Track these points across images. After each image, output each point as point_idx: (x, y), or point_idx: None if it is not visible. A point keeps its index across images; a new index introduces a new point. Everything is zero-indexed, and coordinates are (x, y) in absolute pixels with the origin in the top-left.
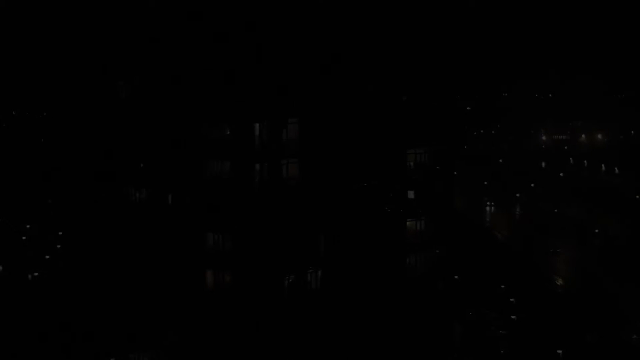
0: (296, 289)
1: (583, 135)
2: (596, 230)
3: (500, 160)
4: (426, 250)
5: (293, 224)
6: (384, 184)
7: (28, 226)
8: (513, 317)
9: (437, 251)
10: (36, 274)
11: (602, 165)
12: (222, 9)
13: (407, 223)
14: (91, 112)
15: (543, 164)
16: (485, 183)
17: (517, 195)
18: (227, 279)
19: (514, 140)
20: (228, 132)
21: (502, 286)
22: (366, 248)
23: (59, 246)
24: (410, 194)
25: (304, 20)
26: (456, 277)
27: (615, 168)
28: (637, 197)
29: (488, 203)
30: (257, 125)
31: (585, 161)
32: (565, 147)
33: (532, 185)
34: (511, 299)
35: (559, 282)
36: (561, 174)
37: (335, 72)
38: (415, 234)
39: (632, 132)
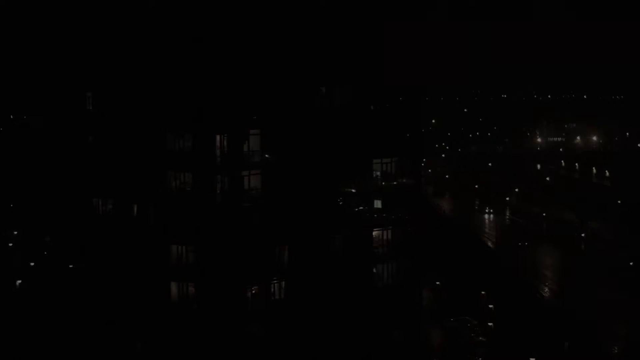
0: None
1: (578, 138)
2: (582, 235)
3: (490, 164)
4: (394, 260)
5: (256, 235)
6: (350, 194)
7: (15, 232)
8: (490, 324)
9: (406, 260)
10: (19, 281)
11: (593, 168)
12: (185, 23)
13: (374, 233)
14: (60, 122)
15: (538, 166)
16: (476, 186)
17: (507, 198)
18: (190, 291)
19: (509, 142)
20: (190, 144)
21: (483, 292)
22: (331, 258)
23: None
24: (378, 204)
25: (265, 31)
26: (438, 283)
27: (606, 171)
28: (620, 202)
29: (477, 207)
30: (218, 137)
31: (576, 164)
32: (560, 149)
33: (523, 188)
34: (490, 306)
35: (545, 292)
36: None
37: (297, 81)
38: (383, 243)
39: (627, 134)
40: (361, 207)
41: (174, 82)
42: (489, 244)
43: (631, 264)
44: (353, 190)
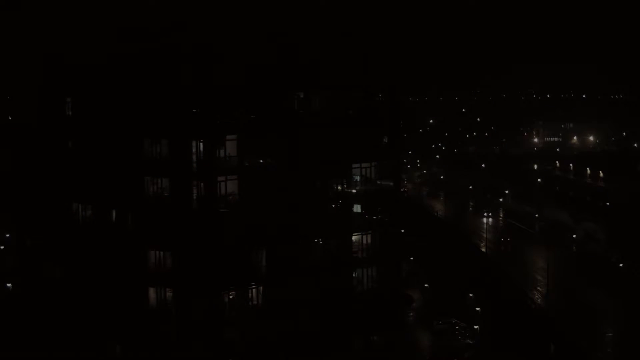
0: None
1: (574, 138)
2: (574, 236)
3: (483, 165)
4: (374, 264)
5: (233, 240)
6: (329, 198)
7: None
8: (476, 327)
9: (386, 264)
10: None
11: (588, 169)
12: (162, 31)
13: (354, 237)
14: (40, 127)
15: (536, 166)
16: (471, 187)
17: (501, 200)
18: (168, 296)
19: (506, 142)
20: (166, 150)
21: (471, 295)
22: (309, 263)
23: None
24: (357, 208)
25: (241, 36)
26: (426, 285)
27: (600, 172)
28: (608, 204)
29: (471, 208)
30: (194, 143)
31: (571, 165)
32: (557, 149)
33: (518, 189)
34: (477, 308)
35: (533, 294)
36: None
37: (273, 87)
38: (362, 247)
39: (624, 133)
40: (340, 212)
41: (150, 88)
42: (481, 245)
43: (620, 265)
44: (332, 195)
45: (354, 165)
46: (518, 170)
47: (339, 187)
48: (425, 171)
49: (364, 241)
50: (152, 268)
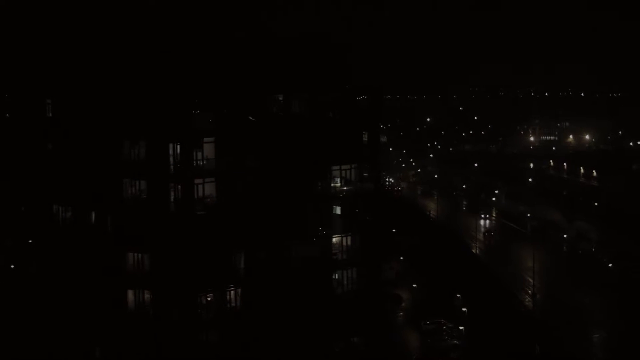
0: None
1: (571, 136)
2: (565, 236)
3: (476, 165)
4: (354, 266)
5: (210, 242)
6: (309, 200)
7: None
8: (461, 327)
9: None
10: None
11: (581, 168)
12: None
13: (334, 239)
14: (20, 128)
15: (532, 165)
16: (464, 186)
17: (493, 199)
18: (146, 298)
19: (503, 141)
20: (144, 152)
21: (458, 295)
22: (289, 265)
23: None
24: (337, 210)
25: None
26: (415, 285)
27: (594, 171)
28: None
29: (464, 207)
30: (171, 145)
31: (564, 164)
32: (554, 148)
33: (511, 188)
34: (464, 309)
35: (521, 295)
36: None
37: (252, 90)
38: (342, 249)
39: (620, 132)
40: (320, 214)
41: (128, 89)
42: (472, 245)
43: (610, 265)
44: (312, 197)
45: (334, 167)
46: (513, 169)
47: (319, 189)
48: (419, 170)
49: (345, 243)
50: (130, 270)
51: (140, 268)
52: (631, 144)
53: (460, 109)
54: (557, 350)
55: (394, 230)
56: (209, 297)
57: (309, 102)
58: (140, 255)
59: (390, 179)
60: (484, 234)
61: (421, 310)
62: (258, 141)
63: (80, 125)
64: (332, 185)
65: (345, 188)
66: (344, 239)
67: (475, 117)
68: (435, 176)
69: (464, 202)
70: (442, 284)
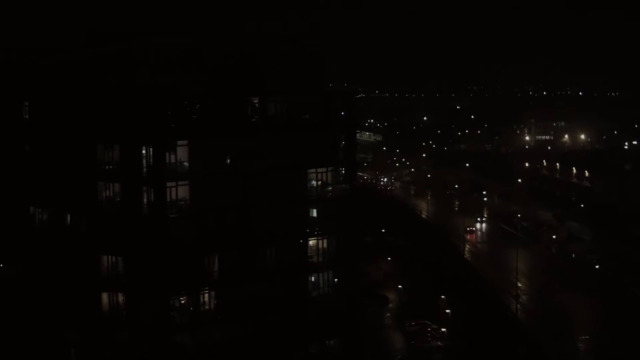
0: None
1: (566, 136)
2: (554, 237)
3: (467, 164)
4: (330, 269)
5: (183, 245)
6: (285, 203)
7: None
8: (443, 329)
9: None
10: None
11: (573, 168)
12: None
13: (310, 242)
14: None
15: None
16: (457, 186)
17: (485, 199)
18: (120, 301)
19: (498, 140)
20: (118, 155)
21: (443, 297)
22: (263, 268)
23: None
24: (314, 213)
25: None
26: (400, 286)
27: (586, 171)
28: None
29: (456, 207)
30: (144, 148)
31: (557, 164)
32: (549, 148)
33: (504, 188)
34: (447, 311)
35: (509, 300)
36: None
37: (226, 93)
38: (318, 252)
39: (615, 132)
40: (296, 217)
41: (103, 92)
42: (460, 245)
43: (597, 267)
44: (287, 200)
45: (310, 171)
46: (506, 169)
47: (295, 192)
48: (413, 169)
49: (321, 245)
50: (104, 272)
51: (115, 271)
52: (627, 144)
53: (458, 107)
54: (537, 355)
55: (383, 231)
56: (182, 300)
57: (285, 105)
58: (114, 258)
59: (384, 179)
60: (474, 234)
61: (407, 311)
62: (233, 144)
63: (56, 128)
64: (308, 188)
65: (321, 191)
66: (320, 241)
67: (472, 116)
68: (429, 176)
69: (456, 202)
70: (429, 284)
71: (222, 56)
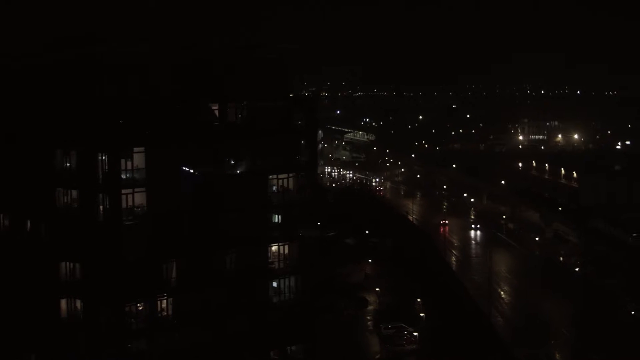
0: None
1: (559, 136)
2: (537, 239)
3: (454, 165)
4: (291, 275)
5: (140, 252)
6: (245, 209)
7: None
8: (415, 333)
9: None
10: None
11: (562, 168)
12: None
13: (272, 248)
14: None
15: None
16: (445, 187)
17: (472, 200)
18: (79, 307)
19: (493, 140)
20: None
21: (419, 300)
22: (223, 274)
23: None
24: (275, 219)
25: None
26: (378, 289)
27: (574, 172)
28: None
29: (444, 209)
30: (100, 155)
31: (546, 165)
32: (542, 147)
33: (493, 189)
34: (421, 314)
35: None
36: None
37: (184, 99)
38: (280, 258)
39: (609, 132)
40: (257, 222)
41: (61, 98)
42: (446, 248)
43: (577, 270)
44: (248, 206)
45: (271, 176)
46: (496, 169)
47: (255, 198)
48: (402, 170)
49: (282, 251)
50: (63, 279)
51: (73, 277)
52: (619, 144)
53: (454, 106)
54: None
55: (367, 232)
56: (140, 306)
57: (246, 111)
58: (72, 264)
59: (376, 179)
60: (457, 235)
61: (385, 313)
62: (191, 150)
63: (17, 133)
64: (268, 194)
65: (282, 196)
66: (282, 247)
67: (468, 115)
68: (418, 176)
69: (445, 203)
70: (409, 288)
71: (179, 63)
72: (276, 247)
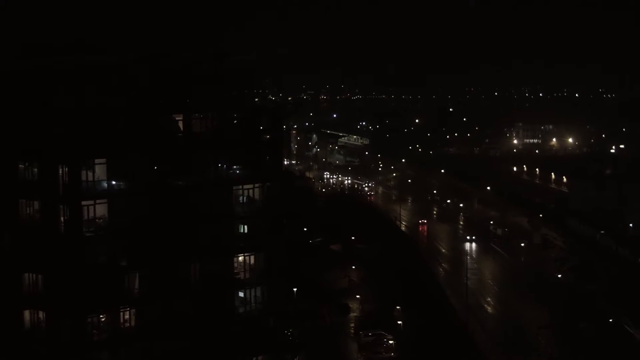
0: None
1: (554, 139)
2: (522, 244)
3: (443, 171)
4: (258, 285)
5: (101, 263)
6: (209, 220)
7: None
8: (391, 342)
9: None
10: None
11: (552, 173)
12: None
13: (239, 258)
14: None
15: (514, 168)
16: (435, 191)
17: (461, 205)
18: (41, 318)
19: (488, 143)
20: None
21: (398, 307)
22: (187, 285)
23: None
24: (242, 229)
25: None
26: (358, 296)
27: (564, 177)
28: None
29: (435, 213)
30: (61, 166)
31: (537, 169)
32: (537, 151)
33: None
34: (399, 322)
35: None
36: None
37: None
38: (246, 268)
39: (603, 135)
40: (222, 233)
41: (22, 108)
42: (433, 254)
43: (559, 276)
44: (213, 216)
45: (236, 187)
46: (488, 173)
47: (220, 209)
48: (395, 174)
49: (248, 261)
50: (26, 290)
51: (36, 288)
52: (614, 147)
53: (451, 110)
54: None
55: (353, 238)
56: (102, 318)
57: (211, 121)
58: (35, 275)
59: (368, 184)
60: (444, 242)
61: (367, 320)
62: (155, 161)
63: None
64: (233, 204)
65: (248, 207)
66: (248, 257)
67: (465, 119)
68: (410, 181)
69: (435, 208)
70: (392, 295)
71: (142, 73)
72: (242, 257)
